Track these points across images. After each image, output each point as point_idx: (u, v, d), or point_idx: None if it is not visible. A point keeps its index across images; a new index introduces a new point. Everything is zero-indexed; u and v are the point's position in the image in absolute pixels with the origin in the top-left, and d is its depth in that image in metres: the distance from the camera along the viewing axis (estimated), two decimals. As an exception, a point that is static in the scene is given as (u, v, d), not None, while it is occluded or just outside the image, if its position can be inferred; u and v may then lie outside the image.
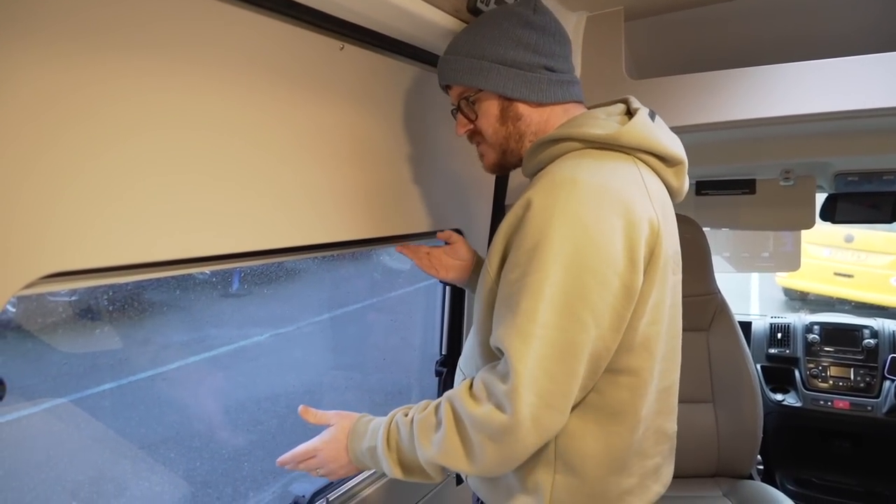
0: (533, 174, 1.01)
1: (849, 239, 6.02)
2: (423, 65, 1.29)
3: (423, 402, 0.96)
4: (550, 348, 0.79)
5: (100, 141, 0.76)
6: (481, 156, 1.10)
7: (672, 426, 1.04)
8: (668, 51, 1.53)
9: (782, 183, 2.01)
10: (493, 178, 1.71)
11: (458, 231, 1.60)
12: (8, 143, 0.67)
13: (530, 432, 0.79)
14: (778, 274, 6.73)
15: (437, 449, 0.87)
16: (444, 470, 0.91)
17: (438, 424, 0.89)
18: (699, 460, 1.98)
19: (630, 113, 1.00)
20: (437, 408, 0.91)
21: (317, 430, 1.05)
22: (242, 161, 0.96)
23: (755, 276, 7.82)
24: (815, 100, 1.27)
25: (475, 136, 1.07)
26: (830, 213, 2.08)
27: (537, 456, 0.92)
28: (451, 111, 1.11)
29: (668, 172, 0.97)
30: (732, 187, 2.16)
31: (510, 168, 1.09)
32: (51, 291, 0.76)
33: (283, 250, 1.08)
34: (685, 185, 1.02)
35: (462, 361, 1.12)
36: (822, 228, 2.25)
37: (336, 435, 1.02)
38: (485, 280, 0.95)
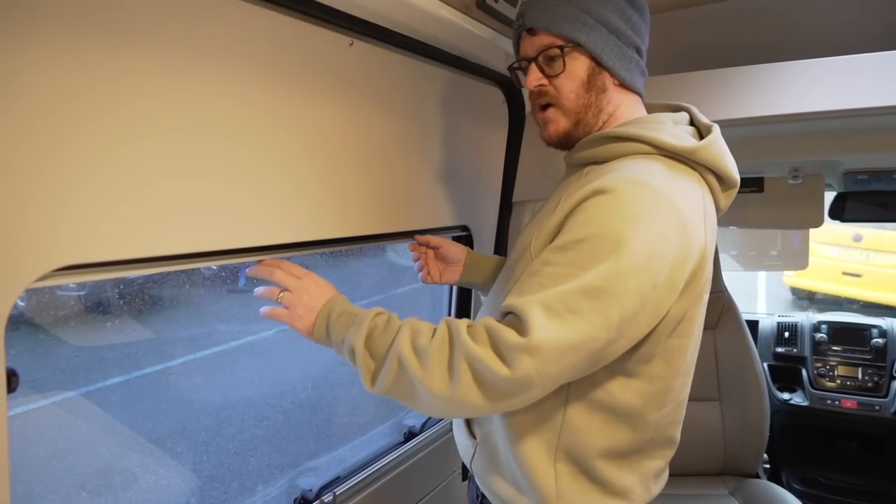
0: (581, 165, 0.98)
1: (857, 238, 5.98)
2: (432, 61, 1.29)
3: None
4: (572, 334, 0.76)
5: (111, 138, 0.76)
6: (546, 122, 0.99)
7: (679, 435, 1.04)
8: (676, 48, 1.52)
9: (791, 181, 2.00)
10: (500, 175, 1.71)
11: (465, 228, 1.60)
12: (22, 138, 0.67)
13: (508, 403, 0.80)
14: (785, 273, 6.70)
15: (417, 354, 0.83)
16: (399, 379, 0.84)
17: (431, 335, 0.85)
18: (705, 458, 1.97)
19: (694, 124, 0.98)
20: (438, 326, 0.87)
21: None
22: (252, 157, 0.97)
23: (762, 275, 7.78)
24: (824, 97, 1.26)
25: (544, 96, 0.97)
26: (839, 212, 2.07)
27: (543, 447, 0.93)
28: (512, 65, 1.02)
29: (721, 195, 0.96)
30: (740, 185, 2.14)
31: (571, 144, 1.00)
32: (60, 285, 0.76)
33: (291, 245, 1.09)
34: (729, 205, 1.00)
35: None
36: (830, 227, 2.24)
37: (327, 284, 0.98)
38: (523, 265, 0.91)
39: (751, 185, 2.13)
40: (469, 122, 1.53)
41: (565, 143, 1.00)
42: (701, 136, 0.97)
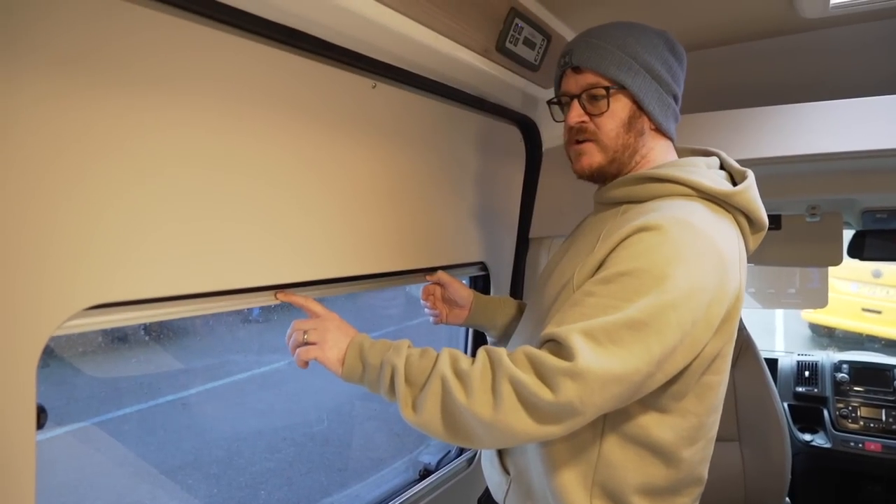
0: (614, 203, 1.00)
1: (877, 274, 5.90)
2: (452, 101, 1.31)
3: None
4: (615, 365, 0.77)
5: (133, 175, 0.78)
6: (580, 154, 1.00)
7: (706, 473, 1.04)
8: (693, 89, 1.53)
9: (808, 219, 1.99)
10: (517, 212, 1.72)
11: (483, 264, 1.61)
12: (42, 176, 0.69)
13: (555, 430, 0.79)
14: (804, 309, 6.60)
15: (461, 379, 0.83)
16: (443, 403, 0.84)
17: (471, 362, 0.86)
18: (725, 501, 1.93)
19: (724, 167, 1.02)
20: (478, 354, 0.87)
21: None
22: (276, 196, 0.99)
23: (780, 311, 7.67)
24: (843, 138, 1.27)
25: (583, 132, 0.99)
26: (858, 250, 2.05)
27: (580, 481, 0.93)
28: (551, 99, 1.05)
29: (750, 237, 0.98)
30: None
31: (603, 179, 1.03)
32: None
33: (314, 283, 1.10)
34: (756, 247, 1.02)
35: None
36: (849, 263, 2.21)
37: (346, 323, 1.00)
38: (563, 298, 0.93)
39: (768, 222, 2.12)
40: (488, 161, 1.55)
41: (597, 177, 1.02)
42: (732, 179, 1.00)
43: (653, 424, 0.91)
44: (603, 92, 0.95)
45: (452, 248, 1.47)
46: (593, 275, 0.88)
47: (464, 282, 1.63)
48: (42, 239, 0.69)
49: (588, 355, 0.76)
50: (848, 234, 2.14)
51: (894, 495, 2.42)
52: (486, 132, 1.51)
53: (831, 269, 2.67)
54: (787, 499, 2.00)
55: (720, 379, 0.95)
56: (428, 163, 1.34)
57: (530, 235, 1.75)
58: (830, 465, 2.43)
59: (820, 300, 2.74)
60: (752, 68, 1.48)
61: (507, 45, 1.19)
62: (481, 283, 1.68)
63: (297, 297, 1.03)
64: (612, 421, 0.92)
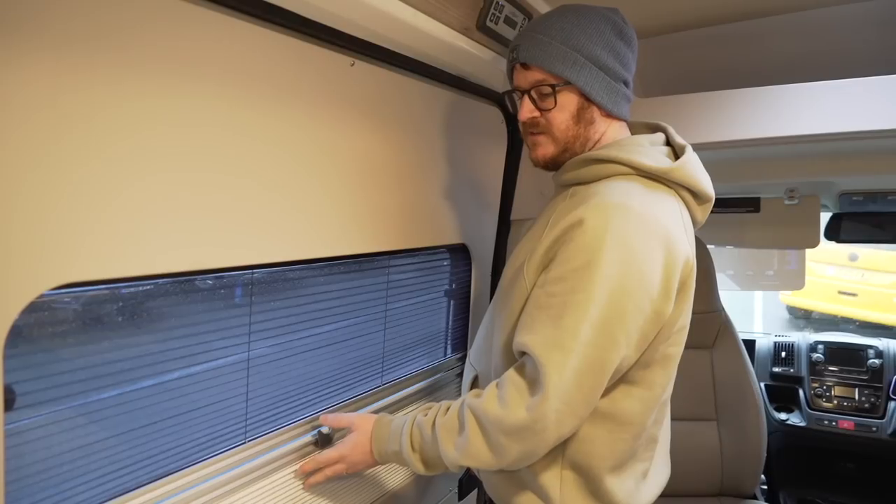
0: (568, 185, 1.03)
1: (853, 258, 6.01)
2: (432, 81, 1.30)
3: (445, 404, 1.02)
4: (586, 363, 0.85)
5: (118, 156, 0.76)
6: (535, 146, 1.05)
7: (658, 432, 1.09)
8: (674, 70, 1.54)
9: (787, 202, 2.02)
10: (499, 193, 1.72)
11: (464, 246, 1.60)
12: (28, 153, 0.67)
13: (552, 434, 0.87)
14: (782, 292, 6.72)
15: (461, 452, 0.94)
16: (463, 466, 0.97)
17: (461, 428, 0.95)
18: (702, 479, 1.96)
19: (670, 144, 1.05)
20: (458, 412, 0.97)
21: None
22: (251, 174, 0.97)
23: (759, 294, 7.80)
24: (820, 120, 1.27)
25: (536, 125, 1.02)
26: (835, 233, 2.08)
27: (550, 455, 0.97)
28: (508, 91, 1.07)
29: (697, 209, 1.02)
30: (737, 205, 2.16)
31: (558, 167, 1.06)
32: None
33: (290, 263, 1.09)
34: (706, 218, 1.06)
35: (474, 356, 1.16)
36: (826, 247, 2.24)
37: (359, 440, 1.07)
38: (518, 287, 0.97)
39: (747, 205, 2.14)
40: (469, 141, 1.54)
41: (552, 166, 1.06)
42: (676, 155, 1.03)
43: (622, 397, 0.96)
44: (549, 89, 0.98)
45: (433, 229, 1.46)
46: (542, 263, 0.93)
47: (445, 264, 1.62)
48: (19, 211, 0.67)
49: (558, 373, 0.84)
50: (825, 218, 2.17)
51: (866, 472, 2.48)
52: (467, 112, 1.49)
53: (809, 252, 2.71)
54: (763, 476, 2.04)
55: (680, 350, 1.01)
56: (408, 143, 1.32)
57: (512, 217, 1.75)
58: (805, 443, 2.48)
59: (797, 282, 2.78)
60: (731, 50, 1.47)
61: (488, 23, 1.17)
62: (463, 266, 1.68)
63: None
64: None
